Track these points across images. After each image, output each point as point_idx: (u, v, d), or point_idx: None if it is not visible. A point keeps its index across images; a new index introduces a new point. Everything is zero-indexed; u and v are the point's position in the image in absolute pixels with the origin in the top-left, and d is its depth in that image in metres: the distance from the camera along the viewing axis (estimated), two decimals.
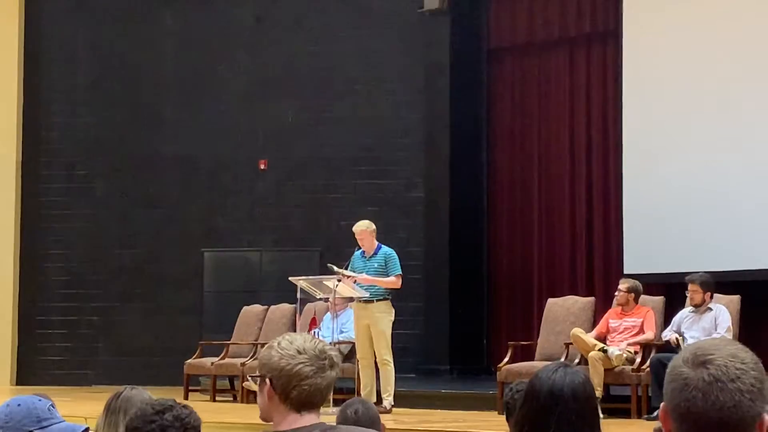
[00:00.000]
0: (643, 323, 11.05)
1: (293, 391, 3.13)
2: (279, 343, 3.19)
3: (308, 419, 3.14)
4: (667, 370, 2.10)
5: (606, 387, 10.68)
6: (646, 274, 12.51)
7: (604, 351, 10.65)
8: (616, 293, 11.31)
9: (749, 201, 12.44)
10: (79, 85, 16.31)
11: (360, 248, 11.31)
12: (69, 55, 16.38)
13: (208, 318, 15.27)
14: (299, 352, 3.14)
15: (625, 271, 12.97)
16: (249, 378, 3.30)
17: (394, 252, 11.27)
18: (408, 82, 15.52)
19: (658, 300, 11.55)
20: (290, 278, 11.49)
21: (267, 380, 3.15)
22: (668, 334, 10.75)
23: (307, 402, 3.15)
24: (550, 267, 14.97)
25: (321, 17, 15.86)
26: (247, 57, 16.01)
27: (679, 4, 13.39)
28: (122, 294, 15.95)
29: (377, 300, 11.06)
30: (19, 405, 3.63)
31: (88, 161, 16.21)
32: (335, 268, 11.00)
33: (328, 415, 8.93)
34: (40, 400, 3.70)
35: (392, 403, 10.98)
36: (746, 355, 2.08)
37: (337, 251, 12.99)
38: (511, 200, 15.41)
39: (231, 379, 13.55)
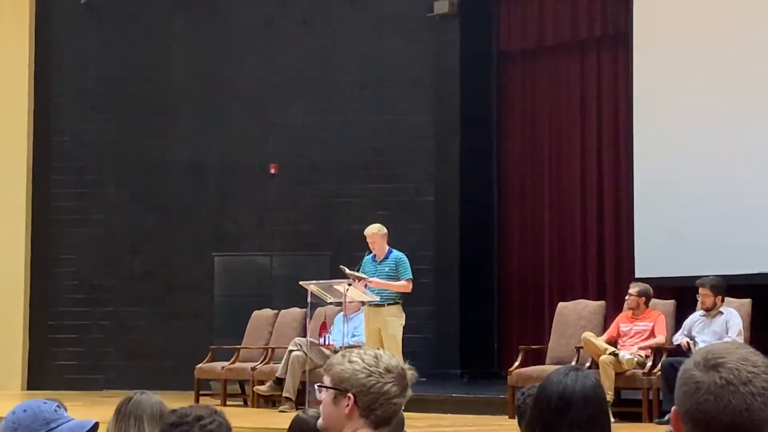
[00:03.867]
0: (653, 327, 11.03)
1: (378, 409, 3.12)
2: (362, 359, 3.15)
3: None
4: (679, 374, 2.10)
5: (617, 391, 10.66)
6: (656, 278, 12.49)
7: (615, 355, 10.63)
8: (627, 297, 11.29)
9: (761, 205, 12.41)
10: (89, 90, 16.34)
11: (371, 252, 11.31)
12: (80, 61, 16.40)
13: (219, 322, 15.29)
14: (387, 371, 3.13)
15: (636, 275, 12.95)
16: (316, 387, 3.25)
17: (404, 256, 11.27)
18: (418, 86, 15.52)
19: (669, 304, 11.52)
20: (301, 282, 11.50)
21: (350, 396, 3.12)
22: (679, 338, 10.73)
23: (388, 420, 3.16)
24: (560, 271, 14.95)
25: (331, 21, 15.87)
26: (257, 61, 16.02)
27: (690, 6, 13.36)
28: (133, 299, 15.97)
29: (388, 304, 11.07)
30: (24, 411, 3.64)
31: (99, 166, 16.24)
32: (347, 270, 11.01)
33: None
34: (45, 403, 3.70)
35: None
36: (758, 358, 2.07)
37: (347, 255, 13.00)
38: (522, 204, 15.40)
39: (242, 383, 13.56)
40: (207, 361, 13.63)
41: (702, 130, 12.96)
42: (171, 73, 16.22)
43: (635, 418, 10.43)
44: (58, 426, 3.63)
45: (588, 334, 10.99)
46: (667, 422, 9.06)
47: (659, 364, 10.50)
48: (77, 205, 16.21)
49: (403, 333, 11.16)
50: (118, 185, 16.19)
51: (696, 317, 10.81)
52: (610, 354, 10.64)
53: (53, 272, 16.23)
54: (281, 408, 11.85)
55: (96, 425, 3.73)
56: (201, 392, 13.34)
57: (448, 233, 15.35)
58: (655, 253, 13.29)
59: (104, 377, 15.73)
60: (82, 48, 16.43)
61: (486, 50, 15.68)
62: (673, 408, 2.10)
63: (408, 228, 14.76)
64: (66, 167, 16.30)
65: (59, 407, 3.75)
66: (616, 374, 10.56)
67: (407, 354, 11.24)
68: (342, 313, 12.10)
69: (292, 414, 7.26)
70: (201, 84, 16.08)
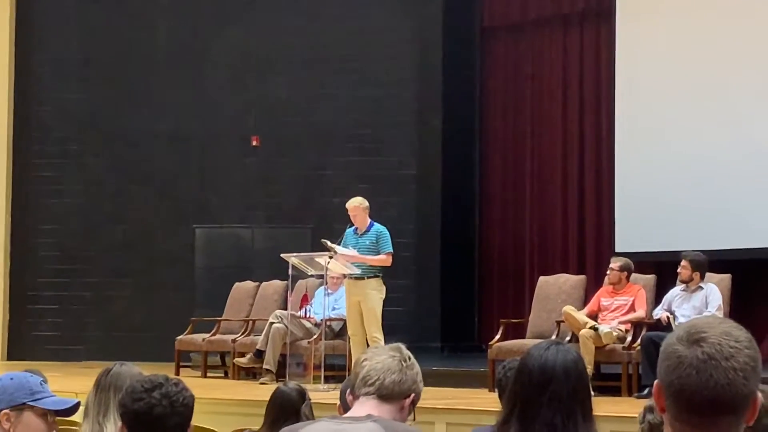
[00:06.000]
0: (634, 302, 11.06)
1: None
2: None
3: None
4: (662, 348, 2.10)
5: (597, 365, 10.69)
6: (637, 253, 12.52)
7: (595, 329, 10.66)
8: (608, 271, 11.31)
9: (740, 180, 12.45)
10: (71, 61, 16.25)
11: (352, 225, 11.31)
12: (61, 31, 16.30)
13: (200, 294, 15.27)
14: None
15: (617, 250, 12.99)
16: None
17: (386, 229, 11.27)
18: (401, 59, 15.49)
19: (650, 278, 11.56)
20: (282, 255, 11.49)
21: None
22: (659, 313, 10.77)
23: None
24: (541, 245, 14.99)
25: None
26: (239, 33, 15.95)
27: None
28: (114, 270, 15.94)
29: (368, 277, 11.07)
30: (11, 379, 3.70)
31: (80, 137, 16.17)
32: (328, 243, 11.01)
33: (319, 392, 8.95)
34: (32, 376, 3.75)
35: None
36: (740, 333, 2.08)
37: (329, 228, 12.99)
38: (503, 178, 15.41)
39: (222, 355, 13.56)
40: (188, 333, 13.62)
41: (684, 106, 12.99)
42: (153, 45, 16.14)
43: (615, 392, 10.47)
44: (42, 398, 3.66)
45: (569, 308, 11.01)
46: (646, 396, 9.10)
47: (639, 339, 10.54)
48: (58, 176, 16.15)
49: (384, 306, 11.16)
50: (99, 156, 16.13)
51: (676, 292, 10.85)
52: (590, 328, 10.67)
53: (34, 243, 16.18)
54: (262, 380, 11.86)
55: (77, 404, 3.75)
56: (181, 364, 13.33)
57: (429, 207, 15.36)
58: (635, 227, 13.33)
59: (85, 348, 15.71)
60: (64, 19, 16.33)
61: (469, 24, 15.66)
62: (655, 382, 2.10)
63: (390, 201, 14.75)
64: (47, 138, 16.22)
65: (44, 382, 3.78)
66: (596, 348, 10.58)
67: (388, 327, 11.31)
68: (323, 285, 12.10)
69: (273, 386, 7.27)
70: (183, 56, 16.01)
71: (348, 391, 3.63)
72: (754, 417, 2.07)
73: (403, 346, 3.58)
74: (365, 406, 3.46)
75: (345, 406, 3.86)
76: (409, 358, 3.55)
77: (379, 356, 3.54)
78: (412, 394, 3.50)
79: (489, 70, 15.67)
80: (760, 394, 2.07)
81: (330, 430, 3.39)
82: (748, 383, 2.04)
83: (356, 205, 11.25)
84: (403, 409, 3.50)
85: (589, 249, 14.56)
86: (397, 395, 3.48)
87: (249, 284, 14.01)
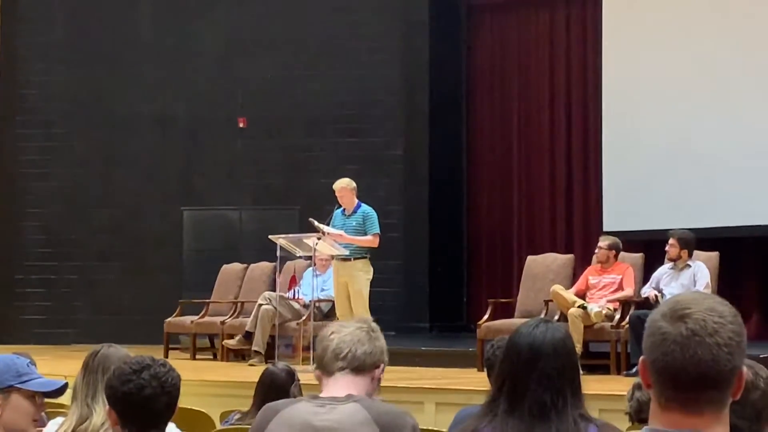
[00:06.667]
0: (622, 280, 11.09)
1: None
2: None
3: None
4: (646, 324, 2.10)
5: (585, 344, 10.72)
6: (624, 231, 12.54)
7: (584, 308, 10.69)
8: (597, 250, 11.33)
9: (728, 158, 12.47)
10: (56, 42, 16.19)
11: (340, 206, 11.31)
12: (46, 13, 16.24)
13: (188, 277, 15.27)
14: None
15: (604, 229, 13.01)
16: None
17: (373, 211, 11.27)
18: (387, 39, 15.46)
19: (638, 257, 11.59)
20: (270, 236, 11.49)
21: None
22: (647, 291, 10.79)
23: None
24: (529, 224, 15.00)
25: None
26: (225, 15, 15.91)
27: None
28: (101, 253, 15.91)
29: (355, 258, 11.07)
30: None
31: (66, 120, 16.12)
32: (315, 223, 11.01)
33: (308, 372, 8.97)
34: (18, 357, 3.74)
35: None
36: (724, 308, 2.08)
37: (316, 209, 12.97)
38: (491, 158, 15.41)
39: (211, 337, 13.56)
40: (176, 315, 13.62)
41: (671, 84, 12.99)
42: (139, 26, 16.08)
43: (603, 370, 10.50)
44: (29, 380, 3.65)
45: (557, 287, 11.04)
46: (635, 375, 9.12)
47: (627, 317, 10.57)
48: (44, 159, 16.10)
49: (372, 287, 11.17)
50: (85, 139, 16.08)
51: (664, 270, 10.88)
52: (578, 307, 10.69)
53: (20, 226, 16.14)
54: (251, 362, 11.87)
55: (65, 385, 3.75)
56: (170, 346, 13.33)
57: (417, 187, 15.35)
58: (623, 206, 13.35)
59: (73, 331, 15.68)
60: (49, 1, 16.26)
61: (455, 3, 15.63)
62: (640, 358, 2.11)
63: (377, 182, 14.74)
64: (32, 121, 16.17)
65: (31, 364, 3.77)
66: (585, 327, 10.61)
67: (376, 308, 11.32)
68: (312, 267, 12.11)
69: (262, 367, 7.27)
70: (169, 37, 15.96)
71: (315, 367, 3.65)
72: (739, 392, 2.07)
73: (369, 318, 3.71)
74: (340, 383, 3.49)
75: None
76: (375, 330, 3.64)
77: (346, 329, 3.59)
78: (381, 364, 3.59)
79: (476, 49, 15.64)
80: (745, 369, 2.08)
81: (311, 412, 3.41)
82: (733, 359, 2.04)
83: (343, 186, 11.25)
84: (373, 379, 3.58)
85: (577, 228, 14.58)
86: (369, 366, 3.56)
87: (237, 266, 14.00)
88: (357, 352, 3.54)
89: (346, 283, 11.07)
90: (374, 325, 3.67)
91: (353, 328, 3.61)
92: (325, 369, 3.55)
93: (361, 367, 3.55)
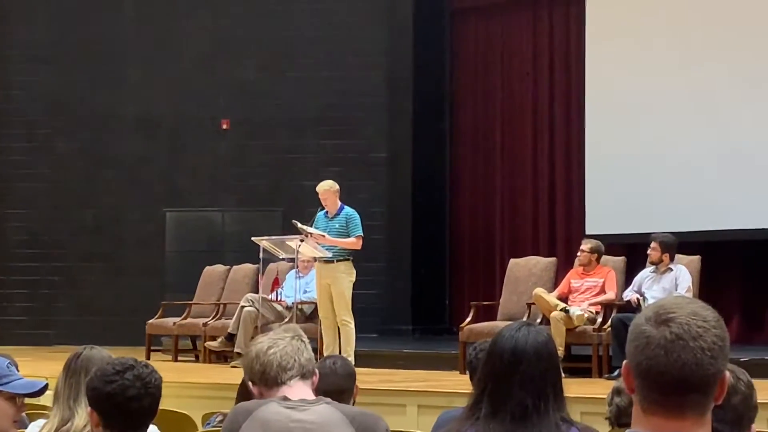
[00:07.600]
0: (604, 283, 11.11)
1: None
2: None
3: None
4: (630, 328, 2.11)
5: (567, 347, 10.74)
6: (607, 235, 12.56)
7: (566, 311, 10.70)
8: (579, 253, 11.35)
9: (710, 163, 12.51)
10: (39, 43, 16.14)
11: (323, 208, 11.30)
12: (29, 14, 16.19)
13: (170, 278, 15.24)
14: None
15: (587, 232, 13.03)
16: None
17: (356, 213, 11.26)
18: (371, 42, 15.46)
19: (620, 260, 11.61)
20: (253, 238, 11.48)
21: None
22: (629, 294, 10.82)
23: None
24: (512, 227, 15.01)
25: None
26: (208, 16, 15.89)
27: None
28: (83, 254, 15.87)
29: (338, 260, 11.06)
30: None
31: (49, 120, 16.08)
32: (299, 225, 11.00)
33: None
34: None
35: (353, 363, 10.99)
36: (708, 313, 2.08)
37: (299, 211, 12.97)
38: (474, 161, 15.42)
39: (193, 339, 13.54)
40: (158, 317, 13.59)
41: (655, 88, 13.01)
42: (122, 27, 16.05)
43: (585, 373, 10.52)
44: (9, 382, 3.63)
45: (539, 290, 11.05)
46: (616, 378, 9.14)
47: (609, 320, 10.59)
48: (26, 159, 16.06)
49: (355, 289, 11.16)
50: (68, 139, 16.05)
51: (646, 273, 10.90)
52: (560, 310, 10.71)
53: (2, 227, 16.09)
54: (233, 363, 11.85)
55: (45, 386, 3.73)
56: (152, 348, 13.30)
57: (400, 189, 15.36)
58: (605, 210, 13.37)
59: (54, 332, 15.64)
60: (33, 1, 16.22)
61: (439, 6, 15.65)
62: (624, 362, 2.11)
63: (360, 184, 14.74)
64: (15, 121, 16.13)
65: (11, 364, 3.74)
66: (567, 330, 10.63)
67: (359, 310, 11.32)
68: (294, 269, 12.10)
69: None
70: (152, 38, 15.93)
71: (254, 383, 3.66)
72: (722, 396, 2.08)
73: (296, 326, 3.82)
74: (294, 389, 3.55)
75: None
76: (306, 338, 3.78)
77: (282, 341, 3.65)
78: (317, 370, 3.73)
79: (459, 51, 15.66)
80: (728, 373, 2.08)
81: (282, 415, 3.45)
82: (716, 363, 2.04)
83: (327, 188, 11.24)
84: (313, 384, 3.69)
85: (559, 231, 14.60)
86: (310, 373, 3.69)
87: (220, 268, 13.99)
88: (301, 359, 3.67)
89: (329, 285, 11.06)
90: (300, 332, 3.76)
91: (289, 339, 3.70)
92: (272, 382, 3.60)
93: (307, 374, 3.67)
